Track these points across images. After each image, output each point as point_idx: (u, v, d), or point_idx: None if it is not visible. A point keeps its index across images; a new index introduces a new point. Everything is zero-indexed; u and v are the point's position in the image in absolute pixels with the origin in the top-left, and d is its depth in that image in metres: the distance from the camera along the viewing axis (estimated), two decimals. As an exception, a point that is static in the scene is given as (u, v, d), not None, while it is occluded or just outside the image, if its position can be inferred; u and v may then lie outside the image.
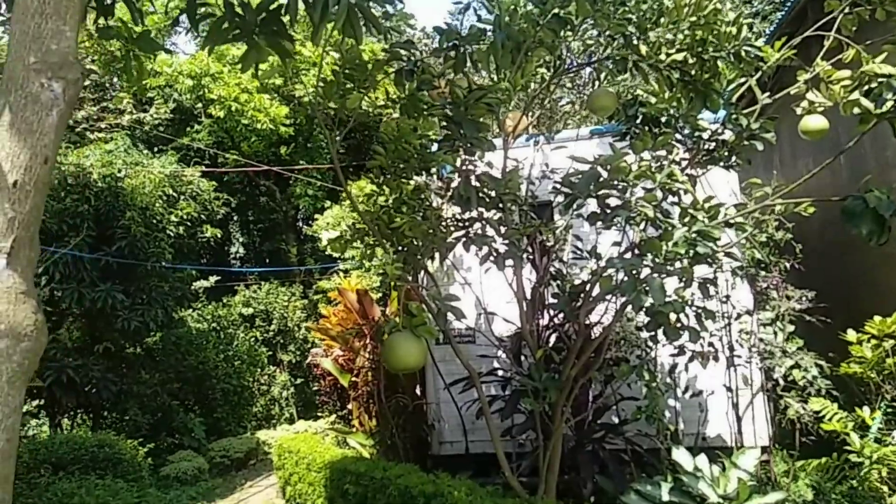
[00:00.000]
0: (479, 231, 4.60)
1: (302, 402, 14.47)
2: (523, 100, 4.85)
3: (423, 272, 6.52)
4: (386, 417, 6.52)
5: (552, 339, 5.29)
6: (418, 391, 7.08)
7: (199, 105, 15.71)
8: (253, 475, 10.73)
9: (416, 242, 5.02)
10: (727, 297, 5.58)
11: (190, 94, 15.49)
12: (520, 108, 4.78)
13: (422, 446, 6.67)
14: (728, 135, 4.72)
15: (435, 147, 4.87)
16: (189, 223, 11.42)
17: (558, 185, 4.25)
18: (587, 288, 4.76)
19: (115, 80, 16.51)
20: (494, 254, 4.39)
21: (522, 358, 5.47)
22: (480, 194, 4.37)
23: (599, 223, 4.21)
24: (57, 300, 9.70)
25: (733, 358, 5.51)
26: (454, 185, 4.81)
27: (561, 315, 5.07)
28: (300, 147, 17.87)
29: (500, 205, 4.56)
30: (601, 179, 4.04)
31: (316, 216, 15.36)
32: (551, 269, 5.19)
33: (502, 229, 4.48)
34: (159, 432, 11.29)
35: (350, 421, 7.61)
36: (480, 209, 4.62)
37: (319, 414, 11.06)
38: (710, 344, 5.12)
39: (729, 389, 5.52)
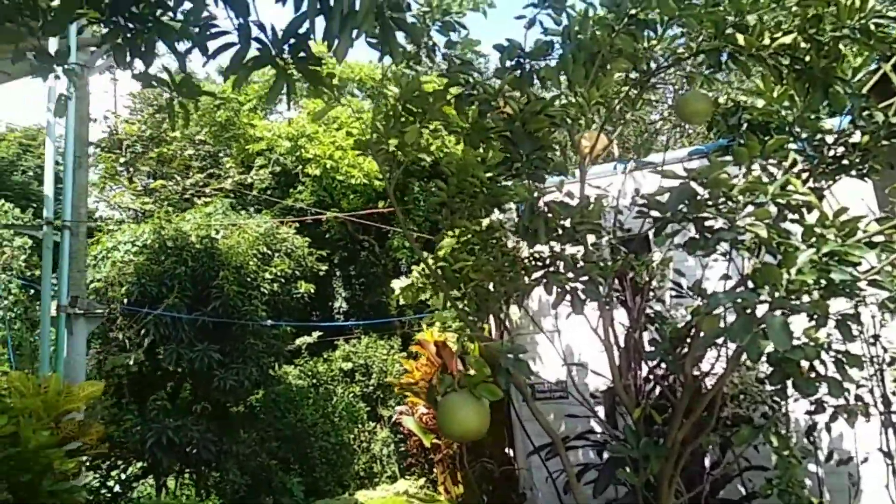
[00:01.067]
0: (554, 269, 3.89)
1: (404, 459, 13.88)
2: (601, 118, 4.15)
3: (499, 319, 5.82)
4: (471, 484, 5.77)
5: (653, 393, 4.41)
6: (509, 452, 6.29)
7: (298, 166, 16.04)
8: (349, 540, 10.18)
9: (483, 286, 4.37)
10: (876, 337, 4.48)
11: (289, 156, 15.86)
12: (597, 126, 4.06)
13: (514, 517, 5.85)
14: (859, 136, 3.77)
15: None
16: (283, 280, 11.35)
17: (644, 209, 3.49)
18: (692, 332, 3.89)
19: (222, 149, 17.32)
20: (571, 295, 3.66)
21: (619, 416, 4.60)
22: (552, 225, 3.68)
23: (700, 252, 3.40)
24: (157, 361, 9.80)
25: (890, 414, 4.37)
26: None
27: (663, 365, 4.20)
28: (397, 200, 17.85)
29: (578, 238, 3.83)
30: (697, 197, 3.25)
31: (413, 267, 15.10)
32: (648, 310, 4.35)
33: (581, 265, 3.75)
34: (258, 493, 11.04)
35: (438, 485, 6.92)
36: (555, 244, 3.92)
37: (407, 477, 10.40)
38: (858, 397, 4.04)
39: (887, 455, 4.36)
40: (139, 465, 10.19)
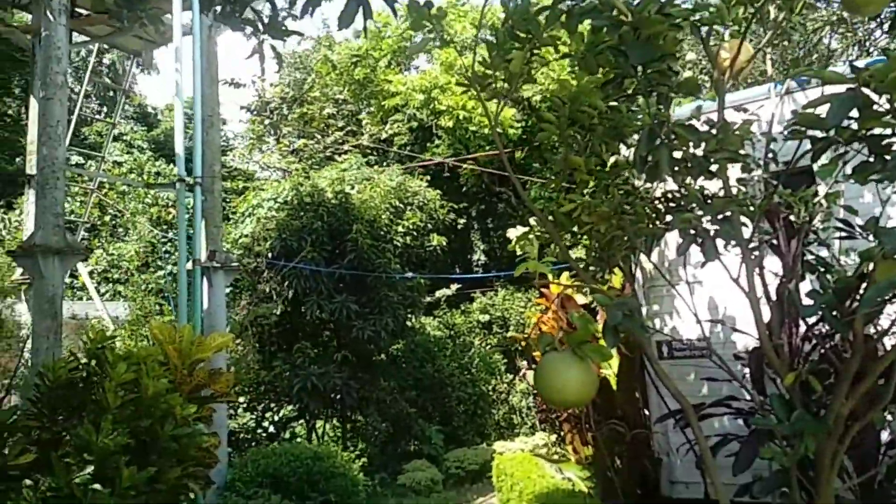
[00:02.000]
0: (680, 207, 3.24)
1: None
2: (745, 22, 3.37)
3: (628, 270, 5.19)
4: (600, 447, 5.30)
5: (812, 356, 3.63)
6: (644, 413, 5.71)
7: (433, 119, 15.85)
8: (486, 489, 10.08)
9: (602, 232, 3.81)
10: None
11: (423, 109, 15.70)
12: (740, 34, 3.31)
13: (648, 484, 5.30)
14: None
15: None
16: (415, 233, 11.29)
17: (799, 129, 2.75)
18: (864, 281, 3.09)
19: (362, 107, 17.53)
20: (702, 238, 3.01)
21: (771, 381, 3.88)
22: (679, 156, 3.03)
23: (876, 180, 2.64)
24: (301, 312, 10.19)
25: None
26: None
27: (825, 322, 3.43)
28: (534, 150, 17.18)
29: (714, 170, 3.15)
30: (873, 107, 2.47)
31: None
32: (807, 256, 3.56)
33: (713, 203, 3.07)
34: (398, 439, 11.29)
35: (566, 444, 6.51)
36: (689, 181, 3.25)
37: (546, 430, 10.05)
38: None
39: None
40: (289, 408, 10.78)
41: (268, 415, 10.74)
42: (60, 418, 3.79)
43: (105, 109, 21.45)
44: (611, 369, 5.68)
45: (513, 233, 5.45)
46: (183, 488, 4.86)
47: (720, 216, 2.80)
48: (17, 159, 15.01)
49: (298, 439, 11.51)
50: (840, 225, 3.54)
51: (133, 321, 8.75)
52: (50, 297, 5.33)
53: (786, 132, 3.55)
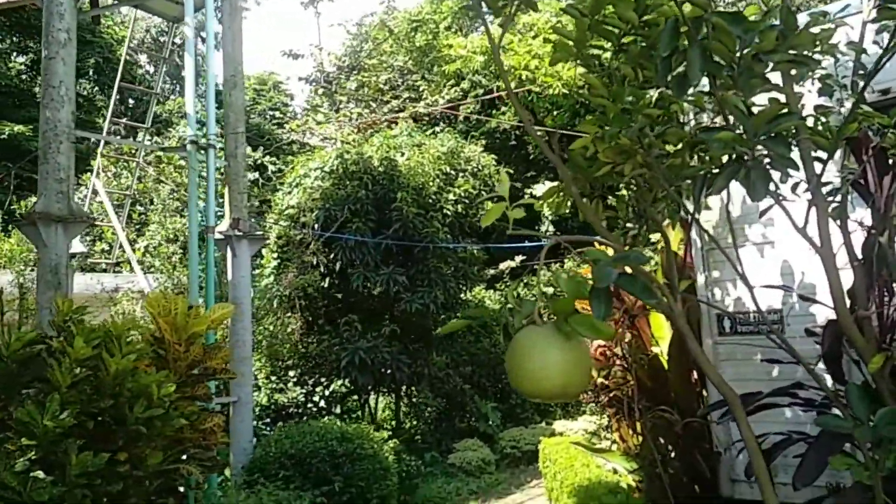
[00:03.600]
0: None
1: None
2: None
3: (683, 225, 4.36)
4: (648, 437, 4.51)
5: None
6: (702, 399, 4.84)
7: (494, 82, 14.98)
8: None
9: (630, 176, 3.01)
10: None
11: (484, 71, 14.87)
12: None
13: (704, 482, 4.46)
14: None
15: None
16: (467, 200, 10.59)
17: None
18: None
19: (424, 73, 16.86)
20: (751, 172, 2.18)
21: (853, 365, 2.98)
22: (717, 57, 2.19)
23: None
24: (348, 284, 9.77)
25: None
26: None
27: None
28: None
29: (769, 80, 2.29)
30: None
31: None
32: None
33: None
34: (452, 416, 10.77)
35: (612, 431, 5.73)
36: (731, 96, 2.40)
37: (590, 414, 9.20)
38: None
39: None
40: (338, 382, 10.45)
41: (318, 389, 10.45)
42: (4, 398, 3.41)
43: (178, 87, 21.80)
44: (661, 346, 4.84)
45: (540, 189, 4.64)
46: (172, 474, 4.48)
47: (768, 134, 1.96)
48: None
49: (353, 415, 11.24)
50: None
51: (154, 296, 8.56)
52: (53, 266, 5.04)
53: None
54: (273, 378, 10.42)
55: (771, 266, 4.38)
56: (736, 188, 4.76)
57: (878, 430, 2.02)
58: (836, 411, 2.91)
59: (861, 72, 2.88)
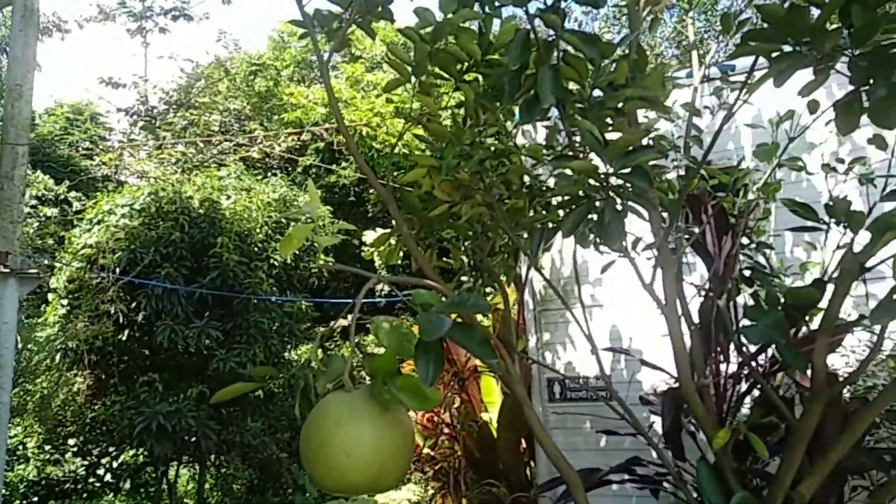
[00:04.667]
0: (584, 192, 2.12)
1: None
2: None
3: (516, 284, 4.11)
4: (473, 514, 4.08)
5: (744, 402, 2.58)
6: (529, 469, 4.54)
7: (333, 135, 14.61)
8: (362, 550, 8.64)
9: (468, 222, 2.68)
10: None
11: (324, 124, 14.46)
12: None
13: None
14: None
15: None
16: (297, 251, 9.89)
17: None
18: (825, 293, 2.07)
19: (261, 120, 16.07)
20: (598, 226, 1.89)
21: (689, 438, 2.79)
22: (567, 84, 1.92)
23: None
24: (148, 338, 8.54)
25: None
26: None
27: (769, 353, 2.39)
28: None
29: (616, 118, 2.06)
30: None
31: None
32: (743, 260, 2.54)
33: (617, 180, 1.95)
34: (265, 489, 9.67)
35: (438, 507, 5.27)
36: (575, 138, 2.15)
37: (417, 482, 8.76)
38: None
39: None
40: (130, 453, 8.98)
41: (104, 460, 8.89)
42: None
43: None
44: (491, 412, 4.51)
45: (370, 235, 4.18)
46: None
47: (628, 167, 1.68)
48: None
49: (148, 490, 9.68)
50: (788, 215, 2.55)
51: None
52: None
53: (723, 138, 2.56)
54: (46, 448, 8.71)
55: (601, 330, 4.26)
56: (567, 248, 4.67)
57: (735, 518, 1.74)
58: (669, 486, 2.69)
59: (694, 133, 2.82)
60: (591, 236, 2.95)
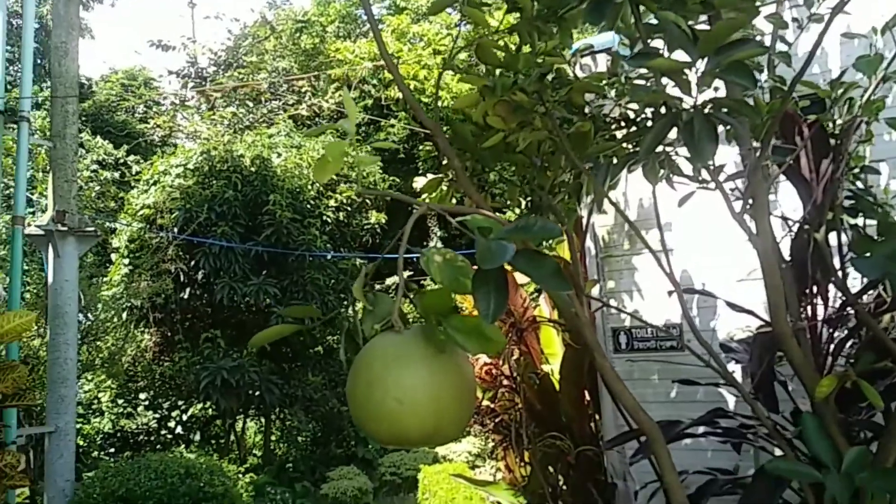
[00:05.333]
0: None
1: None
2: None
3: (576, 229, 3.85)
4: (535, 467, 3.92)
5: (842, 350, 2.28)
6: (595, 422, 4.34)
7: (381, 90, 14.34)
8: (423, 500, 8.72)
9: (537, 162, 2.44)
10: None
11: (372, 79, 14.19)
12: None
13: (599, 517, 3.93)
14: None
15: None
16: (350, 208, 9.81)
17: None
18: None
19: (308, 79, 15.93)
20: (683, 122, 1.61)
21: (783, 388, 2.51)
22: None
23: None
24: (211, 295, 8.67)
25: None
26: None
27: (880, 289, 2.09)
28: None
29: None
30: None
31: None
32: (844, 189, 2.21)
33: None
34: (328, 441, 9.84)
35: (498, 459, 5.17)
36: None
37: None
38: None
39: None
40: (198, 406, 9.24)
41: (174, 413, 9.19)
42: None
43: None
44: (552, 364, 4.31)
45: (420, 181, 3.97)
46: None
47: (724, 65, 1.39)
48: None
49: (218, 442, 9.99)
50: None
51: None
52: None
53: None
54: (120, 401, 9.04)
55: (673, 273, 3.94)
56: (633, 189, 4.35)
57: (852, 479, 1.49)
58: (773, 460, 2.44)
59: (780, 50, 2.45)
60: (662, 171, 2.66)
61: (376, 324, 1.36)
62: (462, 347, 1.27)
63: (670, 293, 2.25)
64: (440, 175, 3.16)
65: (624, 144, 2.65)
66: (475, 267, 1.25)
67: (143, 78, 20.08)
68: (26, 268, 7.84)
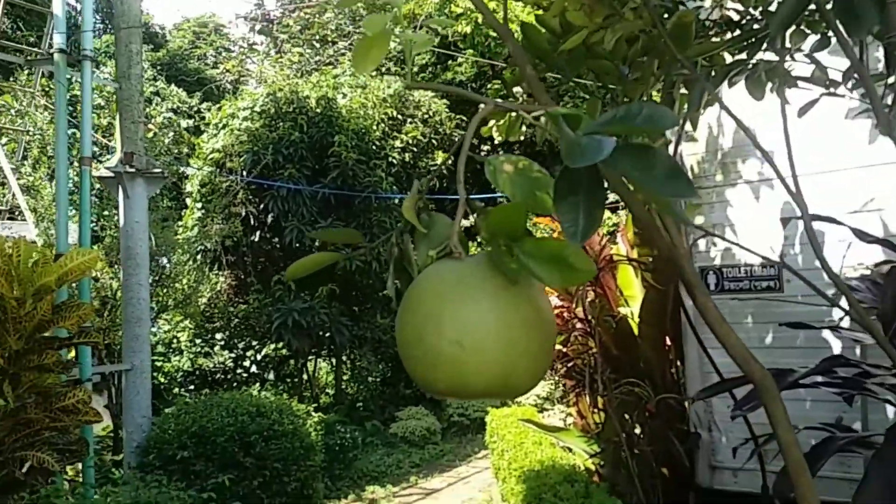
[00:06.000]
0: None
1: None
2: None
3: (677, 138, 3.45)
4: (611, 414, 3.67)
5: None
6: (676, 370, 4.02)
7: (447, 28, 13.77)
8: (491, 442, 8.67)
9: (625, 71, 2.10)
10: None
11: (438, 14, 13.64)
12: None
13: (679, 469, 3.66)
14: None
15: None
16: (415, 149, 9.54)
17: None
18: None
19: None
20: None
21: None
22: None
23: None
24: (279, 239, 8.71)
25: None
26: None
27: None
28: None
29: None
30: None
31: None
32: None
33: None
34: (397, 382, 9.91)
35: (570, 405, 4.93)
36: None
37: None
38: None
39: None
40: (271, 346, 9.44)
41: (249, 353, 9.43)
42: None
43: (107, 24, 19.88)
44: (630, 306, 3.99)
45: (487, 105, 3.57)
46: (11, 464, 3.45)
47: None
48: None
49: (292, 381, 10.24)
50: None
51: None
52: None
53: None
54: (198, 341, 9.34)
55: (769, 209, 3.51)
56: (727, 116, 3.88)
57: None
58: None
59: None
60: (770, 84, 2.25)
61: (431, 250, 1.10)
62: (538, 278, 0.99)
63: (786, 221, 1.88)
64: (508, 100, 2.84)
65: (725, 53, 2.27)
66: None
67: (213, 24, 20.20)
68: (105, 212, 8.03)
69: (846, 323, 3.17)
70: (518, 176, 1.08)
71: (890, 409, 3.04)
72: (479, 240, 1.25)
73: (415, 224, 1.13)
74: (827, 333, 3.24)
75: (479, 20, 13.02)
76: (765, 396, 1.60)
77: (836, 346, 3.25)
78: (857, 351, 3.19)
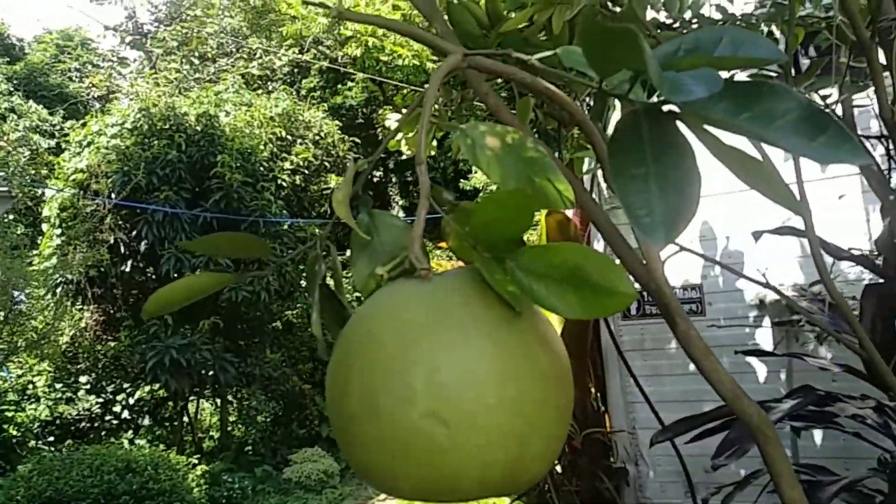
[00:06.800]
0: None
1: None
2: None
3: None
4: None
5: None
6: (598, 400, 3.80)
7: (337, 48, 13.43)
8: (393, 480, 8.19)
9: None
10: None
11: (326, 35, 13.27)
12: None
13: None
14: None
15: None
16: (306, 171, 9.03)
17: None
18: None
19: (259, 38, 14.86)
20: None
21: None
22: None
23: None
24: (155, 269, 7.85)
25: None
26: None
27: None
28: (456, 87, 15.06)
29: None
30: None
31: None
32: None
33: None
34: (290, 421, 9.20)
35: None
36: None
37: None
38: None
39: None
40: (146, 389, 8.46)
41: (119, 397, 8.38)
42: None
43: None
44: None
45: (392, 118, 3.34)
46: None
47: None
48: None
49: (171, 425, 9.23)
50: None
51: None
52: None
53: None
54: (58, 386, 8.19)
55: (689, 229, 3.38)
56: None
57: None
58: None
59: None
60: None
61: (380, 267, 0.72)
62: (547, 307, 0.64)
63: (757, 234, 1.67)
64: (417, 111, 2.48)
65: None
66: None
67: (79, 38, 18.60)
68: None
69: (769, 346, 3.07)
70: (508, 154, 0.74)
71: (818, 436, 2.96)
72: (447, 250, 0.88)
73: (350, 225, 0.75)
74: (751, 359, 3.14)
75: (370, 43, 12.76)
76: (762, 441, 1.33)
77: (761, 372, 3.16)
78: (784, 377, 3.12)
